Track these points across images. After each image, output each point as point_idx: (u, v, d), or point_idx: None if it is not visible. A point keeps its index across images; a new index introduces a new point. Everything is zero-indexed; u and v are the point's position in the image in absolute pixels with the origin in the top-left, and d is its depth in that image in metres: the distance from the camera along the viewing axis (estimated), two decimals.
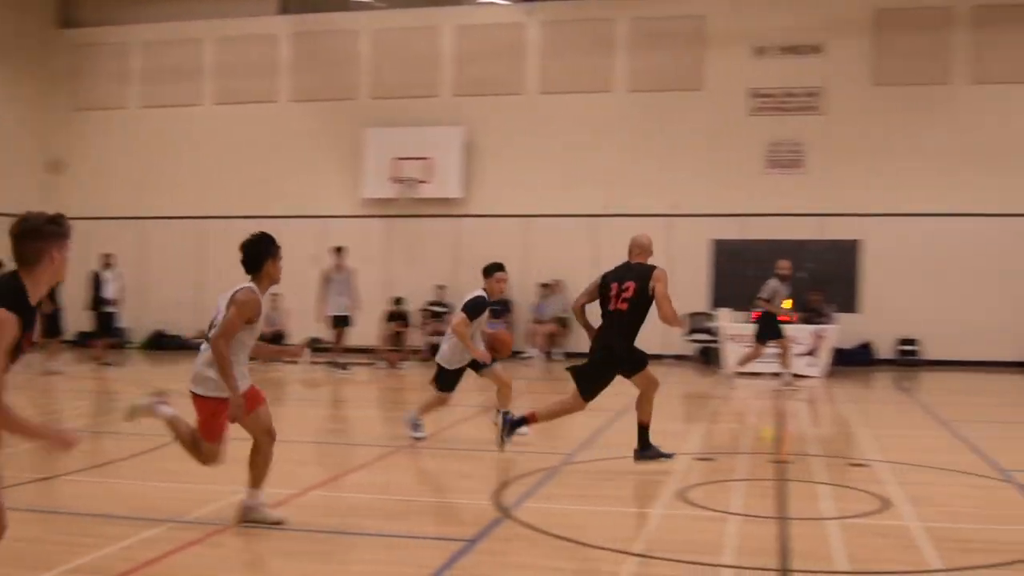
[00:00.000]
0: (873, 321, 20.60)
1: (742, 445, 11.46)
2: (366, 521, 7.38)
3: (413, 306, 21.89)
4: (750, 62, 21.43)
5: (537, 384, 17.79)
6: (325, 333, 18.63)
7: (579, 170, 21.85)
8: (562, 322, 21.49)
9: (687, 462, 9.79)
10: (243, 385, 6.78)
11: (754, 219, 21.12)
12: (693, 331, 20.77)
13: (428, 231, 22.61)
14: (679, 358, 20.95)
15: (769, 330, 16.91)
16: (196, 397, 6.85)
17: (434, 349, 21.61)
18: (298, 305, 20.25)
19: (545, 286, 21.75)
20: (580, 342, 21.44)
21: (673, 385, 17.73)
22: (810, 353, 18.46)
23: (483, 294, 10.79)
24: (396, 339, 20.95)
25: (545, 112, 22.18)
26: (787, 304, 19.05)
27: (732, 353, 18.64)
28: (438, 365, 10.92)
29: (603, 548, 6.62)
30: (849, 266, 20.84)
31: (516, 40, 22.43)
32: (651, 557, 6.48)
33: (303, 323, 19.77)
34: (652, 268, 9.46)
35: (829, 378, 18.19)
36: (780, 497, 8.30)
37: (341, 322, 18.56)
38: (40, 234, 4.69)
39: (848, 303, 20.55)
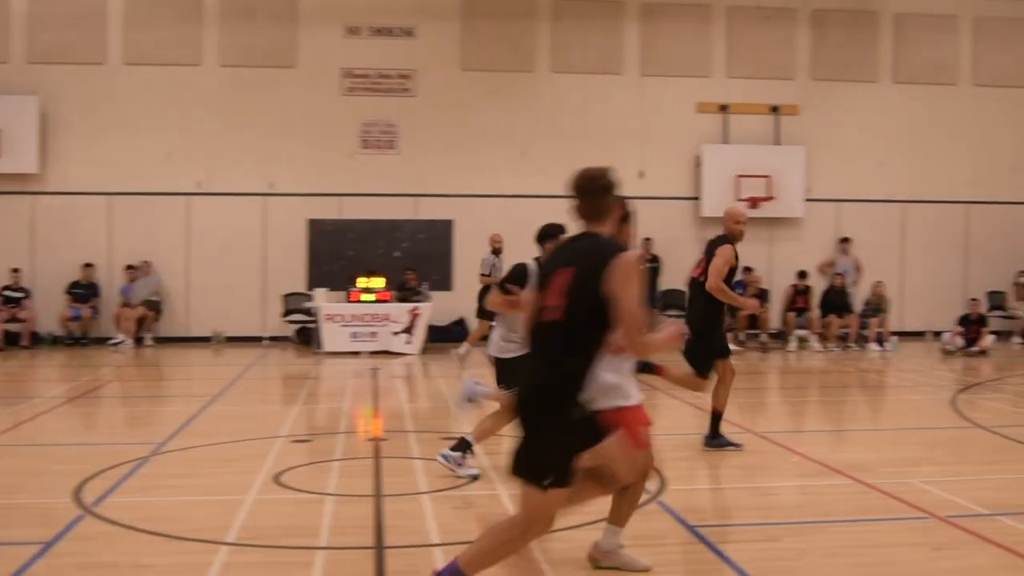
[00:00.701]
0: (466, 298, 21.26)
1: (340, 425, 11.44)
2: None
3: None
4: (343, 42, 21.41)
5: (127, 371, 16.91)
6: None
7: (169, 146, 20.88)
8: (153, 305, 20.54)
9: (283, 445, 9.65)
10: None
11: (350, 199, 21.19)
12: (289, 311, 20.57)
13: (0, 209, 20.79)
14: (276, 339, 20.68)
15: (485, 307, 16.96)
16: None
17: (9, 337, 20.14)
18: None
19: (132, 268, 20.67)
20: (174, 327, 20.72)
21: (270, 367, 17.51)
22: (406, 331, 18.81)
23: (527, 262, 8.34)
24: None
25: (131, 84, 20.99)
26: (380, 282, 19.31)
27: (329, 333, 18.65)
28: (494, 359, 8.71)
29: (194, 540, 6.36)
30: (443, 245, 21.44)
31: (97, 7, 21.04)
32: (245, 545, 6.30)
33: None
34: (720, 242, 9.19)
35: (424, 354, 18.64)
36: (376, 475, 8.35)
37: None
38: (611, 188, 4.79)
39: (443, 281, 21.12)
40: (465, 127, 21.53)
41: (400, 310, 18.95)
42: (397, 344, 18.72)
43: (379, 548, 6.24)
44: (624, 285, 4.40)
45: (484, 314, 16.92)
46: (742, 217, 9.46)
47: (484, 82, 21.57)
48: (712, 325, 9.30)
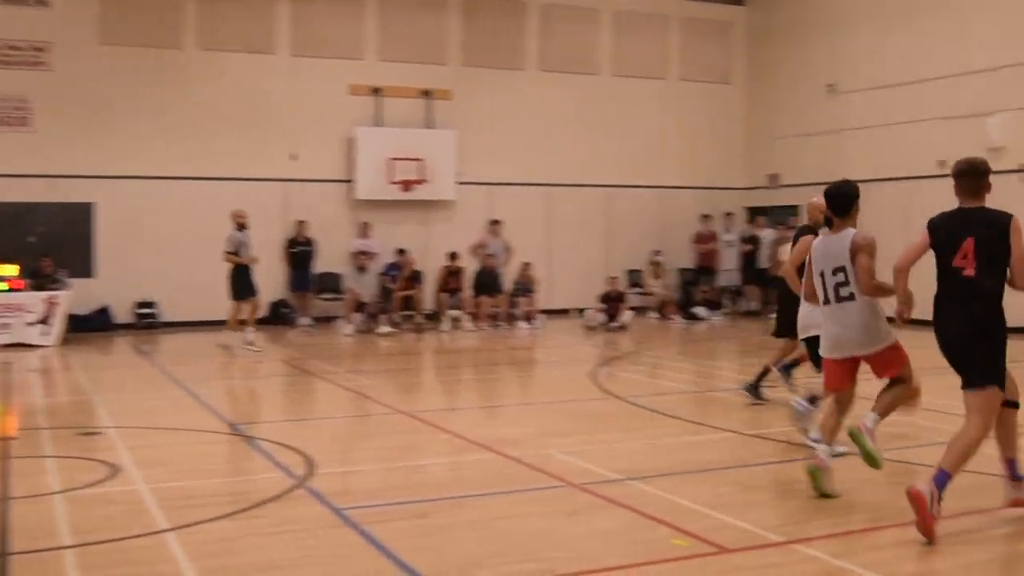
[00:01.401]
0: (110, 285, 20.21)
1: None
2: None
3: None
4: None
5: None
6: None
7: None
8: None
9: None
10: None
11: None
12: None
13: None
14: None
15: (242, 285, 16.01)
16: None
17: None
18: None
19: None
20: None
21: None
22: (43, 321, 17.63)
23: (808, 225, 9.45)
24: None
25: None
26: (12, 270, 18.00)
27: None
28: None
29: None
30: (82, 229, 20.17)
31: None
32: None
33: None
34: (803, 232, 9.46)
35: (64, 345, 17.52)
36: (2, 477, 7.75)
37: None
38: (988, 173, 6.11)
39: (83, 268, 19.87)
40: (107, 105, 20.34)
41: (35, 299, 17.70)
42: (32, 335, 17.49)
43: (2, 555, 5.78)
44: (1017, 239, 5.93)
45: (239, 295, 16.32)
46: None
47: (127, 58, 20.45)
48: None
